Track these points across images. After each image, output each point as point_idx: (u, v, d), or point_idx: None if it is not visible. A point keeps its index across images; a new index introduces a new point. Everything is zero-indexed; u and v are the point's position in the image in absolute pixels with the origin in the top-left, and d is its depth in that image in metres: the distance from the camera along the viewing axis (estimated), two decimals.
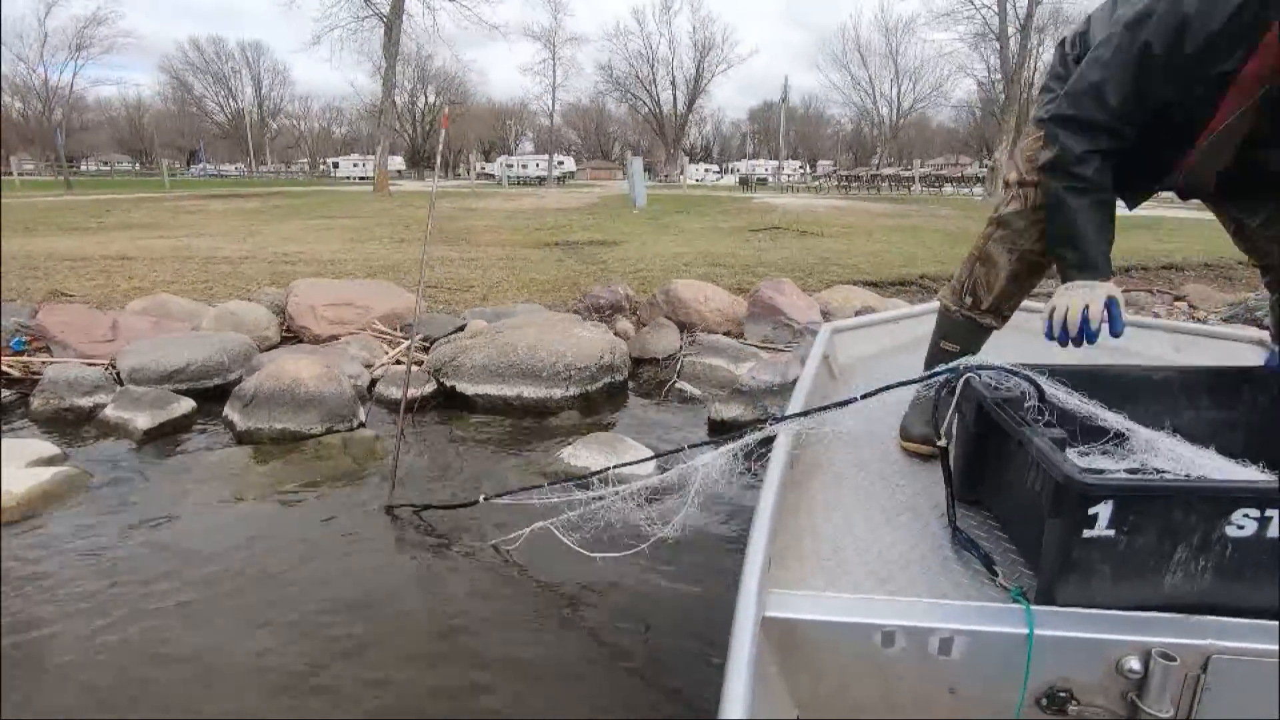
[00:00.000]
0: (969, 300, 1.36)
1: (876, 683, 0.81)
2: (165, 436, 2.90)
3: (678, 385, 3.59)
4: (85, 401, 3.13)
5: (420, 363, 3.63)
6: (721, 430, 3.07)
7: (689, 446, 1.41)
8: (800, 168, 51.08)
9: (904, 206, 16.89)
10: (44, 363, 3.49)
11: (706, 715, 0.60)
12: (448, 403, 3.39)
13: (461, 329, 4.13)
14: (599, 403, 3.43)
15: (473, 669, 1.56)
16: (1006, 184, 1.32)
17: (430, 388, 3.41)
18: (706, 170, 56.67)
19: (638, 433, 2.93)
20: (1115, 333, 1.07)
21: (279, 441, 2.80)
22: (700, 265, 6.36)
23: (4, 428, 2.96)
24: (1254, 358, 1.25)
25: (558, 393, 3.34)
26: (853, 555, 0.96)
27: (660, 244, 8.08)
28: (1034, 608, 0.79)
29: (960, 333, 1.37)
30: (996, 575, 0.88)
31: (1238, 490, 0.80)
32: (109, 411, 3.01)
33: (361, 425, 2.97)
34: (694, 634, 1.65)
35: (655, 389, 3.67)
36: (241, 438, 2.83)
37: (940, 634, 0.78)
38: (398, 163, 47.87)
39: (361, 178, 43.14)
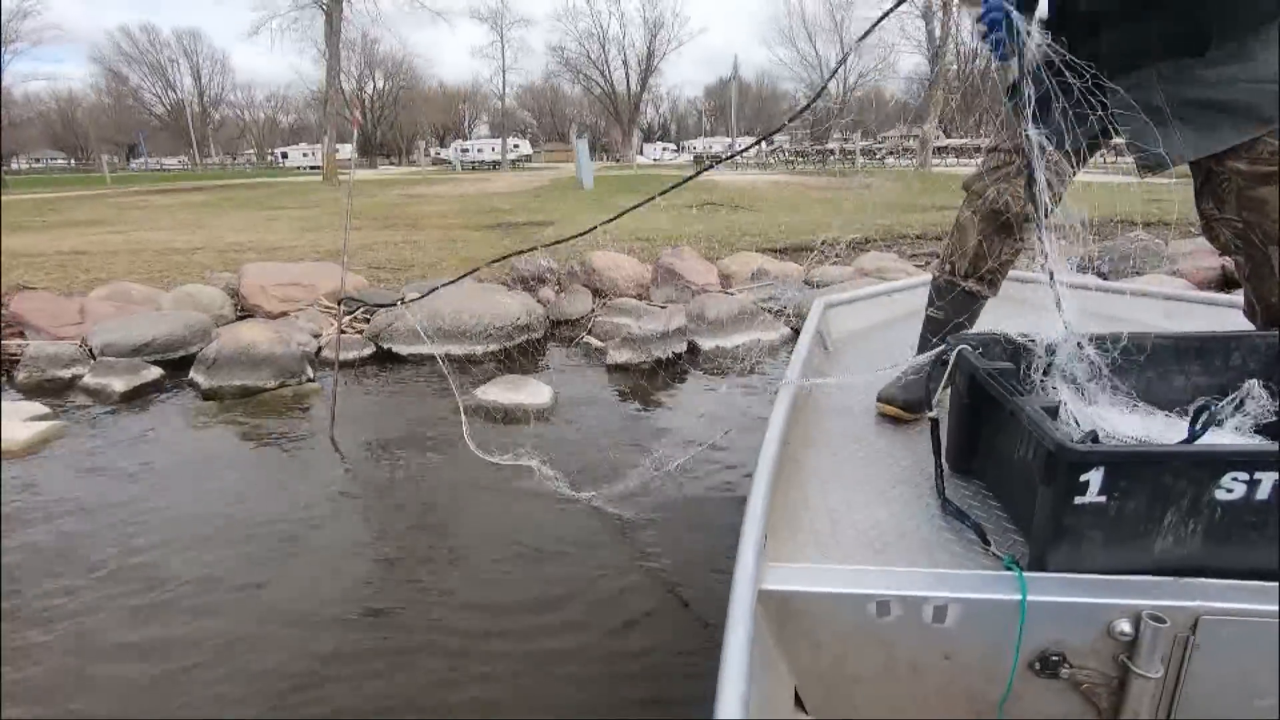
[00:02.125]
0: (948, 267, 1.42)
1: (873, 652, 0.82)
2: (139, 397, 3.41)
3: (585, 340, 4.22)
4: (65, 373, 3.61)
5: (360, 331, 4.18)
6: (618, 371, 3.72)
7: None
8: (763, 145, 51.52)
9: (842, 180, 17.69)
10: (19, 345, 3.93)
11: (705, 690, 0.65)
12: (386, 363, 3.96)
13: (400, 301, 4.66)
14: (517, 356, 4.04)
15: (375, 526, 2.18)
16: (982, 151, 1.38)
17: (369, 350, 3.97)
18: (664, 149, 56.89)
19: (542, 376, 3.56)
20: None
21: (239, 396, 3.34)
22: (626, 239, 6.96)
23: None
24: (1244, 322, 1.29)
25: (479, 349, 3.94)
26: (848, 527, 0.98)
27: (591, 220, 8.64)
28: (1026, 574, 0.80)
29: (944, 299, 1.41)
30: (989, 545, 0.89)
31: (1227, 454, 0.81)
32: (87, 379, 3.51)
33: (310, 380, 3.53)
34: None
35: (568, 344, 4.29)
36: (206, 394, 3.37)
37: (934, 602, 0.79)
38: (348, 150, 46.98)
39: (312, 167, 42.22)
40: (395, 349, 3.96)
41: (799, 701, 0.83)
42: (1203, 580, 0.79)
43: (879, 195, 12.61)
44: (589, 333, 4.33)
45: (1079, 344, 1.01)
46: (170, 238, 7.86)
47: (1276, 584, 0.78)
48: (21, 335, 4.18)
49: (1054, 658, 0.78)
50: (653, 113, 63.41)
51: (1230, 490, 0.78)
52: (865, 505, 1.03)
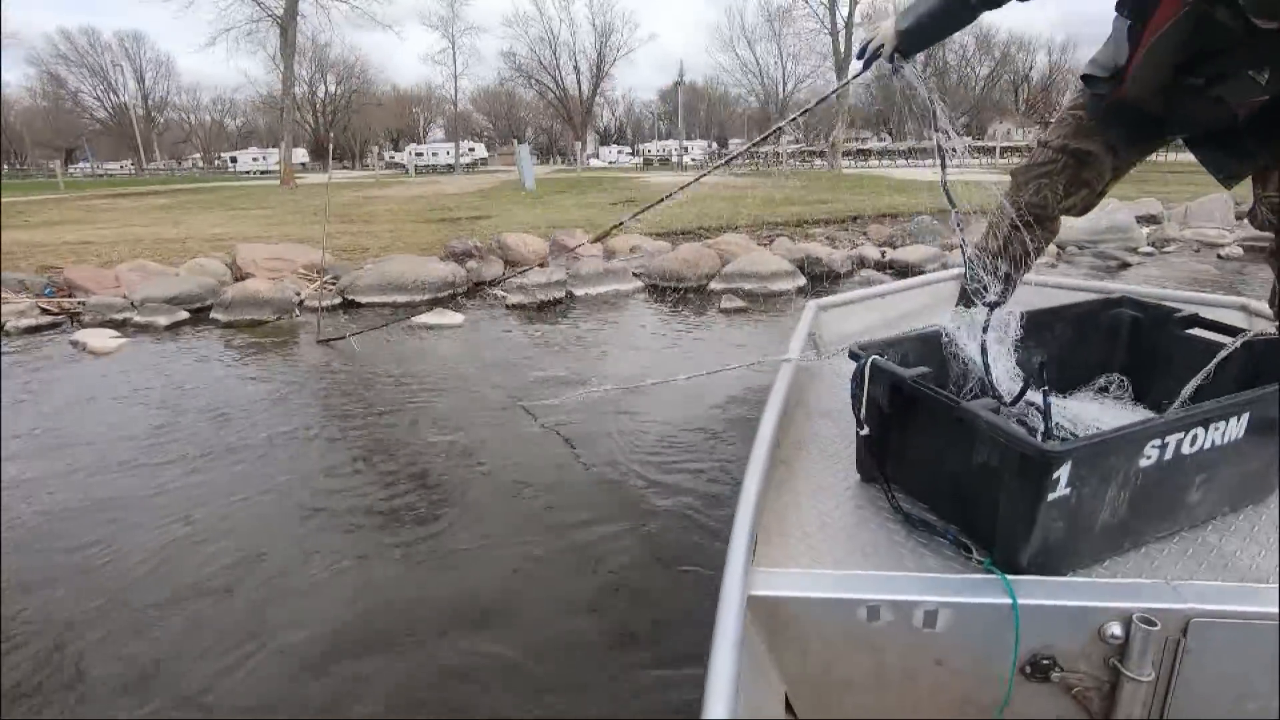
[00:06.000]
0: (984, 244, 1.50)
1: (863, 657, 0.82)
2: (177, 329, 4.95)
3: (493, 291, 5.91)
4: (118, 316, 5.12)
5: (331, 287, 5.77)
6: (514, 309, 5.41)
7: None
8: (708, 147, 53.62)
9: (764, 180, 19.70)
10: (80, 302, 5.39)
11: (694, 695, 0.62)
12: (350, 308, 5.57)
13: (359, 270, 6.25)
14: (445, 303, 5.69)
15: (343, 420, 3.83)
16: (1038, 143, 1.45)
17: (338, 301, 5.58)
18: (619, 151, 58.51)
19: (454, 307, 5.24)
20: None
21: (248, 326, 4.92)
22: (543, 227, 8.65)
23: (68, 337, 4.91)
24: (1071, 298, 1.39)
25: (418, 298, 5.58)
26: (838, 531, 0.98)
27: (524, 216, 10.33)
28: (1014, 578, 0.81)
29: (977, 274, 1.44)
30: (970, 552, 0.90)
31: (1150, 428, 0.86)
32: (136, 319, 5.03)
33: (298, 316, 5.12)
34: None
35: (483, 297, 5.97)
36: (225, 325, 4.94)
37: (925, 607, 0.79)
38: (301, 155, 47.24)
39: (263, 172, 42.56)
40: (357, 299, 5.58)
41: (789, 707, 0.84)
42: (1194, 583, 0.81)
43: (777, 192, 14.58)
44: (499, 287, 6.01)
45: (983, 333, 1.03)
46: (157, 231, 9.20)
47: (1266, 586, 0.81)
48: (71, 295, 5.64)
49: (1044, 661, 0.79)
50: (608, 116, 64.82)
51: (1149, 457, 0.86)
52: (856, 509, 1.04)
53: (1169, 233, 8.27)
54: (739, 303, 5.25)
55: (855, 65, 1.48)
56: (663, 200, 2.93)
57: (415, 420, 3.11)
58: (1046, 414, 0.89)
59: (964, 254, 1.29)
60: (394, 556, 2.00)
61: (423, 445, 2.82)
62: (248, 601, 1.81)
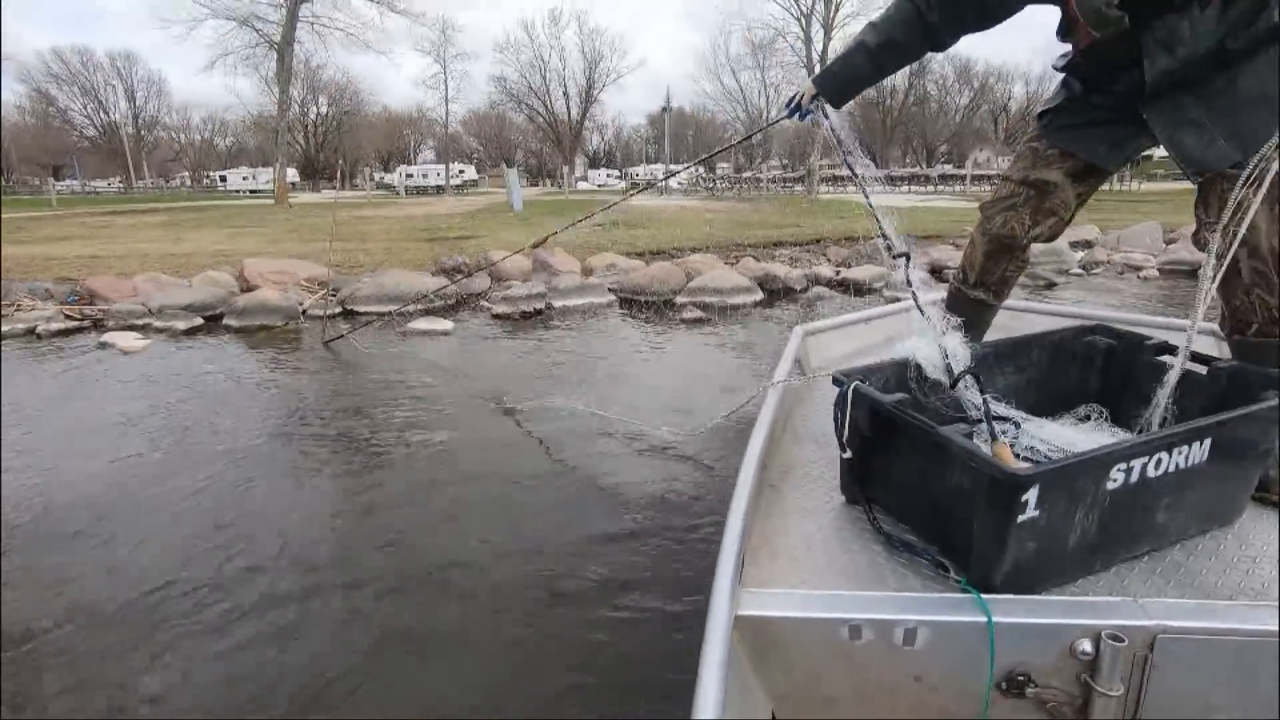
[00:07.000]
0: (961, 276, 1.58)
1: (846, 674, 0.85)
2: (194, 333, 5.49)
3: (482, 304, 6.51)
4: (138, 321, 5.65)
5: (332, 298, 6.35)
6: (498, 318, 6.01)
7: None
8: (695, 171, 54.93)
9: (739, 205, 20.59)
10: (101, 309, 5.92)
11: (682, 714, 0.64)
12: (348, 316, 6.14)
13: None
14: (436, 311, 6.28)
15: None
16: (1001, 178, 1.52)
17: (338, 309, 6.15)
18: (608, 175, 59.72)
19: (445, 317, 5.83)
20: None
21: (258, 330, 5.47)
22: (529, 247, 9.28)
23: (96, 339, 5.43)
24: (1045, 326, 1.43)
25: (411, 306, 6.16)
26: (822, 552, 1.02)
27: (510, 236, 10.98)
28: (989, 596, 0.85)
29: (957, 305, 1.53)
30: (948, 572, 0.94)
31: (1115, 452, 0.90)
32: (156, 323, 5.56)
33: (301, 321, 5.68)
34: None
35: (471, 308, 6.56)
36: (237, 330, 5.49)
37: (905, 625, 0.82)
38: (291, 174, 47.77)
39: (252, 191, 43.01)
40: (356, 308, 6.16)
41: None
42: (1160, 600, 0.85)
43: (756, 217, 15.38)
44: (484, 299, 6.62)
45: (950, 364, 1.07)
46: (162, 248, 9.73)
47: (1229, 603, 0.85)
48: (92, 303, 6.16)
49: (1019, 677, 0.82)
50: (597, 140, 66.09)
51: (1115, 480, 0.89)
52: (839, 530, 1.08)
53: (1099, 256, 9.09)
54: (698, 314, 5.89)
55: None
56: (591, 215, 3.78)
57: (397, 400, 3.69)
58: (991, 433, 0.98)
59: (910, 285, 1.29)
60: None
61: (401, 419, 3.40)
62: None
